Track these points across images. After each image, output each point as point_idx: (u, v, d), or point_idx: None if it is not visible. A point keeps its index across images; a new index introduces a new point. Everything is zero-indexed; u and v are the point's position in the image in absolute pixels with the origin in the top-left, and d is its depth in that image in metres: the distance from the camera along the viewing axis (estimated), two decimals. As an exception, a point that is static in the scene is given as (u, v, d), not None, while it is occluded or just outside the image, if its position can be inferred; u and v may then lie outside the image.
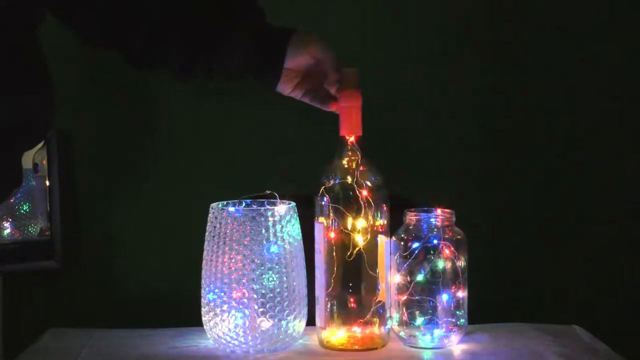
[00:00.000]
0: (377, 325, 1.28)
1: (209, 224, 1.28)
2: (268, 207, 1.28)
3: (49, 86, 1.08)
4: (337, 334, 1.28)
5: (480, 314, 1.35)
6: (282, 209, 1.26)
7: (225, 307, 1.25)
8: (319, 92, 1.33)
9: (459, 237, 1.28)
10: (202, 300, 1.29)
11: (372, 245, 1.26)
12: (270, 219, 1.25)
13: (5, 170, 1.06)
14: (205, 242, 1.28)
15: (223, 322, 1.25)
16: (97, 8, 1.20)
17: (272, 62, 1.28)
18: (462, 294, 1.28)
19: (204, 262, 1.28)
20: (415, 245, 1.27)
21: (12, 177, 1.08)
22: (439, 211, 1.29)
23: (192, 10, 1.23)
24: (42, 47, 1.08)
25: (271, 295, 1.24)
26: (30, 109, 1.05)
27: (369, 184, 1.26)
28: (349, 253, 1.26)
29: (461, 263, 1.28)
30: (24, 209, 1.53)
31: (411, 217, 1.29)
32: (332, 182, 1.27)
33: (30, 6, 1.06)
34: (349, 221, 1.26)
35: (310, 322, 1.30)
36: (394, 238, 1.29)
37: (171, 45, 1.23)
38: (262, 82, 1.31)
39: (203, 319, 1.29)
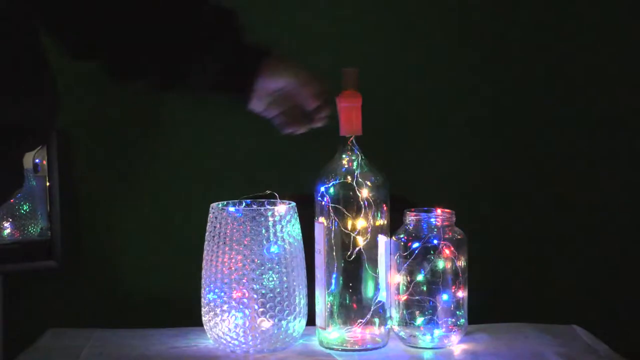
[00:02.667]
0: (377, 325, 1.28)
1: (209, 224, 1.28)
2: (268, 207, 1.28)
3: (51, 89, 1.08)
4: (337, 334, 1.27)
5: (480, 314, 1.35)
6: (282, 209, 1.27)
7: (225, 307, 1.25)
8: (294, 112, 1.32)
9: (459, 237, 1.28)
10: (202, 300, 1.29)
11: (372, 245, 1.26)
12: (270, 219, 1.25)
13: (6, 172, 1.06)
14: (205, 242, 1.28)
15: (223, 322, 1.25)
16: (81, 22, 1.20)
17: (240, 85, 1.28)
18: (462, 294, 1.28)
19: (204, 262, 1.28)
20: (415, 245, 1.27)
21: (13, 179, 1.09)
22: (439, 211, 1.29)
23: (167, 29, 1.23)
24: (45, 52, 1.08)
25: (271, 295, 1.24)
26: (32, 112, 1.06)
27: (369, 184, 1.26)
28: (349, 253, 1.26)
29: (461, 263, 1.28)
30: (24, 209, 1.53)
31: (411, 217, 1.29)
32: (332, 182, 1.27)
33: (28, 12, 1.07)
34: (349, 221, 1.26)
35: (310, 322, 1.30)
36: (394, 238, 1.29)
37: (147, 61, 1.24)
38: (233, 101, 1.32)
39: (203, 319, 1.29)
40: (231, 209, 1.27)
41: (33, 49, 1.06)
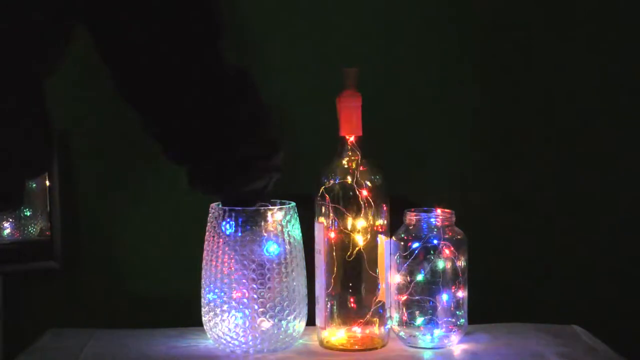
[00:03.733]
0: (377, 325, 1.28)
1: (208, 224, 1.28)
2: (268, 207, 1.28)
3: (48, 118, 1.09)
4: (337, 334, 1.28)
5: (480, 314, 1.35)
6: (282, 209, 1.27)
7: (225, 307, 1.25)
8: None
9: (459, 237, 1.28)
10: (202, 300, 1.29)
11: (372, 245, 1.26)
12: (270, 218, 1.25)
13: (5, 194, 1.07)
14: (205, 242, 1.28)
15: (223, 322, 1.25)
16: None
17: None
18: (462, 294, 1.28)
19: (204, 262, 1.28)
20: (415, 245, 1.27)
21: (5, 201, 1.09)
22: (439, 211, 1.29)
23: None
24: (43, 83, 1.08)
25: (271, 295, 1.24)
26: (30, 146, 1.06)
27: (369, 184, 1.26)
28: (349, 253, 1.26)
29: (461, 263, 1.28)
30: (24, 210, 1.53)
31: (411, 217, 1.29)
32: (332, 182, 1.27)
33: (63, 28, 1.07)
34: (349, 221, 1.26)
35: (310, 322, 1.30)
36: (394, 238, 1.29)
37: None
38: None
39: (203, 319, 1.29)
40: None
41: (30, 78, 1.06)
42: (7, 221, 1.53)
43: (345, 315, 1.27)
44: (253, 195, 1.26)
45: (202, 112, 1.18)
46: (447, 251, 1.27)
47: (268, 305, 1.24)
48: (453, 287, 1.27)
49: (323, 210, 1.27)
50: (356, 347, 1.27)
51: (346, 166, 1.27)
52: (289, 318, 1.26)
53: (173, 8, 1.12)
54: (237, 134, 1.20)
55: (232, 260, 1.25)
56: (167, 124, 1.20)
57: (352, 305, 1.27)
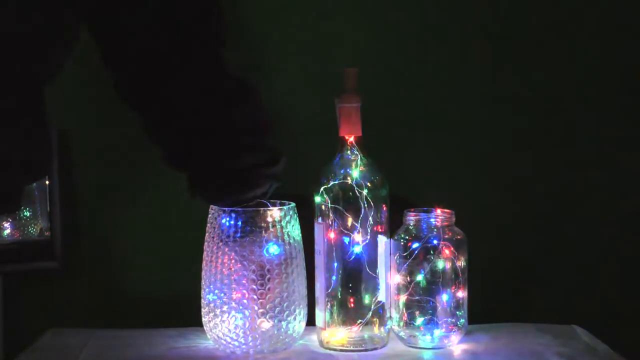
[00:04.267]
0: (377, 325, 1.28)
1: (208, 224, 1.28)
2: (267, 207, 1.28)
3: (48, 123, 1.09)
4: (337, 334, 1.28)
5: (480, 314, 1.35)
6: (282, 209, 1.27)
7: (225, 307, 1.25)
8: None
9: (459, 237, 1.28)
10: (202, 300, 1.29)
11: (372, 245, 1.26)
12: (270, 219, 1.25)
13: (4, 195, 1.07)
14: (205, 243, 1.28)
15: (223, 323, 1.25)
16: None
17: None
18: (462, 294, 1.28)
19: (203, 262, 1.28)
20: (415, 245, 1.27)
21: (10, 202, 1.10)
22: (438, 211, 1.29)
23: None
24: (44, 88, 1.08)
25: (271, 295, 1.24)
26: (30, 146, 1.06)
27: (369, 184, 1.26)
28: (348, 253, 1.26)
29: (461, 263, 1.28)
30: (24, 211, 1.53)
31: (411, 217, 1.29)
32: (332, 182, 1.27)
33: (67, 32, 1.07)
34: (349, 221, 1.26)
35: (310, 322, 1.30)
36: (394, 238, 1.29)
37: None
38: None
39: (203, 319, 1.29)
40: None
41: (30, 79, 1.06)
42: (7, 221, 1.53)
43: (345, 315, 1.27)
44: (251, 201, 1.26)
45: (201, 112, 1.18)
46: (447, 251, 1.27)
47: (268, 306, 1.24)
48: (453, 287, 1.27)
49: (323, 210, 1.27)
50: (356, 347, 1.27)
51: (346, 166, 1.27)
52: (289, 319, 1.26)
53: (173, 9, 1.12)
54: (237, 136, 1.20)
55: (232, 261, 1.25)
56: (167, 124, 1.20)
57: (352, 305, 1.27)
